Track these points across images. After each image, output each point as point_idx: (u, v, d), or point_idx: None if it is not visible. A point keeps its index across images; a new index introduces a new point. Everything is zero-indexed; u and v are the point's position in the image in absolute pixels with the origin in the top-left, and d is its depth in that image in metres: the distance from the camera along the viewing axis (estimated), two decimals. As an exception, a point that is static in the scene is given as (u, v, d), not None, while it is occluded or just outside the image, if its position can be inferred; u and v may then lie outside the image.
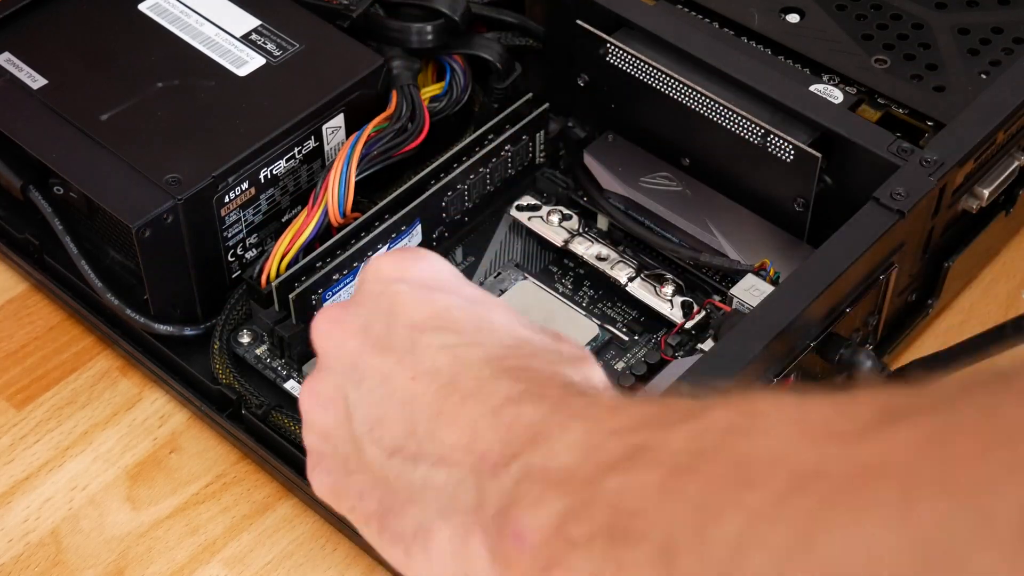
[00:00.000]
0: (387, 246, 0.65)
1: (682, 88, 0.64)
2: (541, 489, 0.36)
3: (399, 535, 0.42)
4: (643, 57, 0.65)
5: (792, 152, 0.62)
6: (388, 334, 0.44)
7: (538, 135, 0.70)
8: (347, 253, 0.63)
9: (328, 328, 0.46)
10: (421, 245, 0.67)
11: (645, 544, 0.33)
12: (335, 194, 0.64)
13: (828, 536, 0.29)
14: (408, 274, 0.46)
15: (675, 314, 0.64)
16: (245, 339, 0.65)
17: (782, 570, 0.30)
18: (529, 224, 0.69)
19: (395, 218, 0.65)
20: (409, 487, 0.41)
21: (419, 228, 0.66)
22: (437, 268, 0.47)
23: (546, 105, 0.70)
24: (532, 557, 0.36)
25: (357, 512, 0.44)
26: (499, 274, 0.68)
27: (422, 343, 0.43)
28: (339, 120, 0.67)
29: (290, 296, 0.62)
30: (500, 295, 0.66)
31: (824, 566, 0.29)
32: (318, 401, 0.45)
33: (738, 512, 0.31)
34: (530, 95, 0.70)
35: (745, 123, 0.63)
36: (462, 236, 0.70)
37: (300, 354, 0.64)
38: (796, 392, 0.34)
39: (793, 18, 0.69)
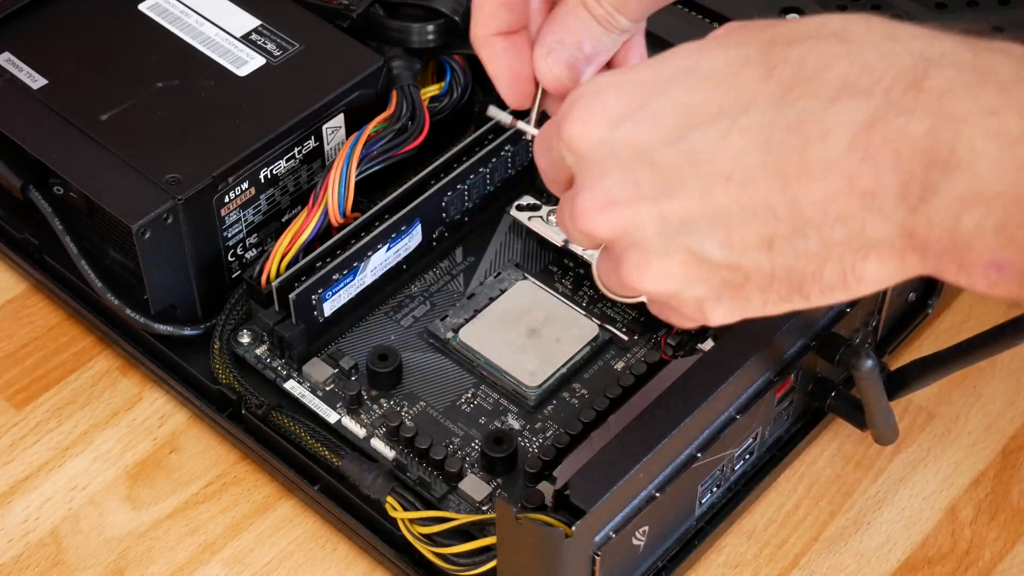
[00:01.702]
0: (387, 246, 0.65)
1: (682, 88, 0.64)
2: (998, 221, 0.36)
3: (827, 290, 0.40)
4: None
5: (792, 152, 0.62)
6: (670, 138, 0.41)
7: (538, 135, 0.70)
8: (347, 253, 0.63)
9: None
10: (421, 245, 0.67)
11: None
12: (335, 194, 0.64)
13: None
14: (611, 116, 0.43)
15: (675, 314, 0.64)
16: (245, 339, 0.65)
17: None
18: (529, 224, 0.69)
19: (395, 218, 0.65)
20: (810, 259, 0.40)
21: (419, 228, 0.66)
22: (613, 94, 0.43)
23: (546, 105, 0.70)
24: (1018, 283, 0.37)
25: (758, 300, 0.42)
26: (499, 274, 0.68)
27: (698, 148, 0.40)
28: (339, 120, 0.67)
29: (290, 296, 0.62)
30: (500, 295, 0.66)
31: None
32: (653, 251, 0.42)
33: None
34: (530, 95, 0.70)
35: (745, 123, 0.63)
36: (462, 236, 0.70)
37: (300, 354, 0.64)
38: None
39: (793, 18, 0.69)
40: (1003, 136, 0.35)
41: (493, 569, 0.55)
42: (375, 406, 0.63)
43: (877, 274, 0.39)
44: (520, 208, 0.69)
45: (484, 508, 0.58)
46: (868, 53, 0.38)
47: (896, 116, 0.37)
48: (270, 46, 0.68)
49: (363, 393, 0.63)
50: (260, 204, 0.66)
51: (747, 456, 0.60)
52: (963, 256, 0.37)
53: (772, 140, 0.39)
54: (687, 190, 0.40)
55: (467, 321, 0.65)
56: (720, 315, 0.43)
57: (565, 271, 0.69)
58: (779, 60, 0.39)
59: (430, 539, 0.57)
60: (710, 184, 0.40)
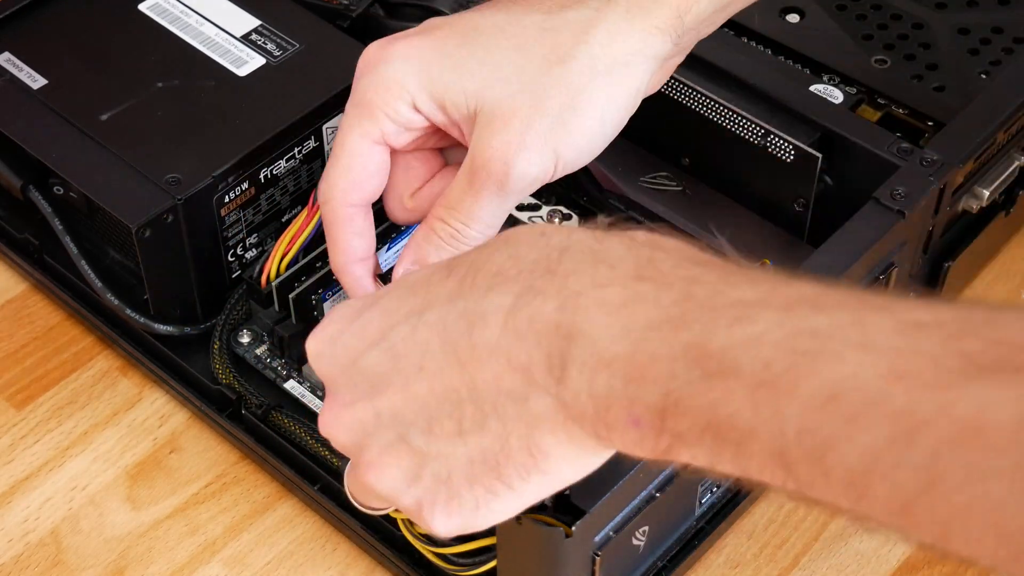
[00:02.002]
0: (387, 246, 0.65)
1: (682, 88, 0.64)
2: (623, 387, 0.39)
3: (522, 471, 0.43)
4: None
5: (792, 152, 0.62)
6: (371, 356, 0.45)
7: (538, 135, 0.70)
8: (347, 253, 0.63)
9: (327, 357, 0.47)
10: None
11: (755, 445, 0.37)
12: (335, 194, 0.64)
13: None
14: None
15: (675, 314, 0.64)
16: (245, 339, 0.65)
17: None
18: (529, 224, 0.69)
19: (395, 218, 0.65)
20: (496, 436, 0.42)
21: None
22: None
23: (546, 105, 0.70)
24: (654, 439, 0.39)
25: (469, 495, 0.44)
26: (499, 274, 0.68)
27: (395, 346, 0.44)
28: (339, 120, 0.67)
29: (290, 296, 0.62)
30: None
31: None
32: (348, 429, 0.46)
33: (852, 445, 0.35)
34: (530, 95, 0.70)
35: (745, 123, 0.63)
36: (462, 236, 0.70)
37: (300, 354, 0.64)
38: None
39: (793, 18, 0.69)
40: (610, 305, 0.40)
41: (493, 569, 0.55)
42: (375, 406, 0.63)
43: (556, 446, 0.42)
44: (520, 208, 0.69)
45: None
46: (521, 248, 0.43)
47: (534, 297, 0.41)
48: (270, 46, 0.68)
49: (363, 393, 0.63)
50: (260, 204, 0.66)
51: (747, 456, 0.60)
52: (608, 417, 0.40)
53: (447, 330, 0.43)
54: (392, 384, 0.44)
55: (467, 321, 0.65)
56: (441, 521, 0.45)
57: (565, 271, 0.69)
58: (459, 263, 0.44)
59: (430, 539, 0.57)
60: (408, 376, 0.44)
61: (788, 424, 0.35)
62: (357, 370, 0.45)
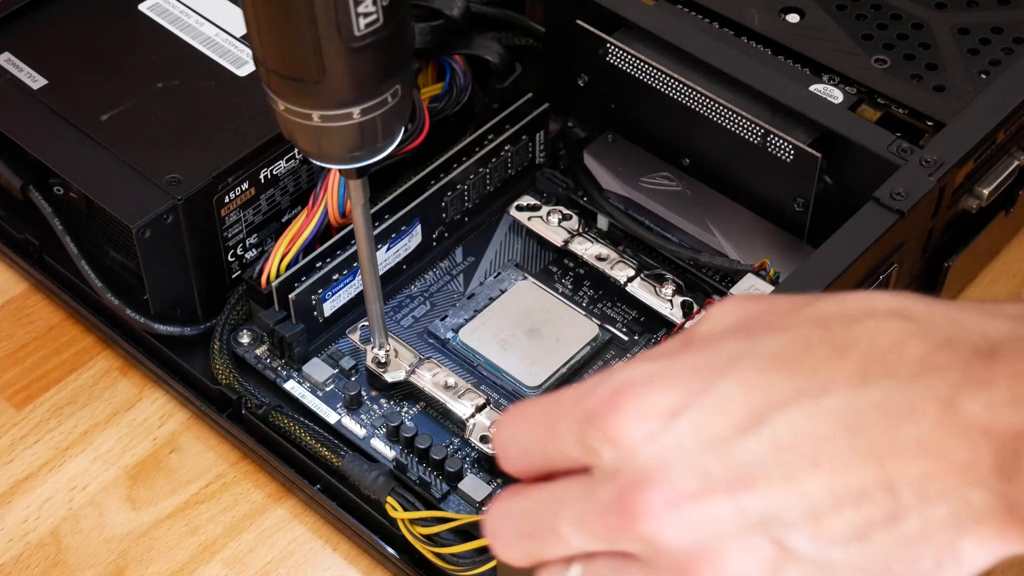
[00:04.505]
0: (387, 246, 0.65)
1: (682, 88, 0.64)
2: None
3: (928, 570, 0.37)
4: (643, 57, 0.65)
5: (792, 152, 0.62)
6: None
7: (538, 135, 0.70)
8: (347, 253, 0.63)
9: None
10: (421, 245, 0.67)
11: None
12: (335, 194, 0.64)
13: None
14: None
15: (675, 314, 0.64)
16: (245, 339, 0.65)
17: None
18: (529, 224, 0.69)
19: (395, 218, 0.65)
20: (910, 544, 0.37)
21: (419, 228, 0.66)
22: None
23: (546, 105, 0.70)
24: None
25: None
26: (499, 274, 0.68)
27: (779, 433, 0.37)
28: (339, 120, 0.66)
29: (290, 296, 0.62)
30: (500, 295, 0.66)
31: None
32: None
33: None
34: (530, 95, 0.70)
35: (745, 123, 0.63)
36: (462, 236, 0.70)
37: (300, 354, 0.64)
38: None
39: (793, 18, 0.69)
40: None
41: (493, 569, 0.55)
42: (375, 406, 0.63)
43: (975, 553, 0.37)
44: (520, 208, 0.69)
45: (484, 508, 0.58)
46: (938, 332, 0.38)
47: (979, 388, 0.36)
48: (270, 46, 0.68)
49: (363, 393, 0.63)
50: (260, 204, 0.66)
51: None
52: None
53: (861, 421, 0.37)
54: (770, 479, 0.37)
55: (467, 321, 0.65)
56: None
57: (565, 271, 0.69)
58: (847, 339, 0.38)
59: (430, 539, 0.57)
60: (796, 470, 0.37)
61: None
62: (713, 456, 0.37)
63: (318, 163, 0.53)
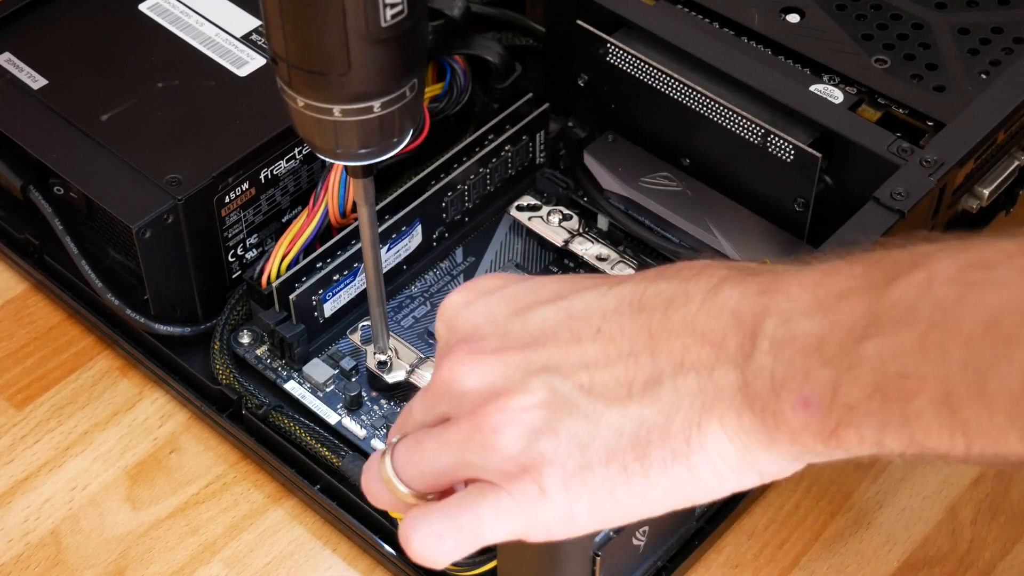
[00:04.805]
0: (387, 246, 0.65)
1: (682, 88, 0.64)
2: (803, 360, 0.39)
3: (668, 457, 0.42)
4: (643, 57, 0.65)
5: (792, 152, 0.62)
6: (532, 321, 0.44)
7: (538, 135, 0.70)
8: (347, 253, 0.63)
9: (467, 360, 0.44)
10: (421, 245, 0.67)
11: (923, 396, 0.37)
12: (335, 194, 0.64)
13: None
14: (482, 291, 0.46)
15: (675, 314, 0.64)
16: (245, 339, 0.65)
17: None
18: (529, 224, 0.69)
19: (395, 218, 0.65)
20: (662, 409, 0.42)
21: (419, 228, 0.66)
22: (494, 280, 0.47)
23: (546, 105, 0.70)
24: (821, 420, 0.39)
25: (600, 471, 0.42)
26: (499, 274, 0.68)
27: (574, 306, 0.44)
28: (339, 120, 0.66)
29: (290, 297, 0.62)
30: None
31: None
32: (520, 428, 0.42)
33: (1012, 365, 0.35)
34: (530, 95, 0.70)
35: (745, 123, 0.63)
36: (462, 236, 0.70)
37: (300, 355, 0.64)
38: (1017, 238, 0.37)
39: (793, 18, 0.69)
40: (806, 282, 0.40)
41: (493, 569, 0.55)
42: (375, 407, 0.63)
43: (716, 437, 0.41)
44: (520, 208, 0.69)
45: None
46: (735, 265, 0.44)
47: (741, 280, 0.42)
48: (270, 46, 0.68)
49: (363, 394, 0.63)
50: (260, 204, 0.66)
51: (747, 456, 0.60)
52: (779, 398, 0.40)
53: (643, 303, 0.43)
54: (558, 340, 0.43)
55: (467, 321, 0.65)
56: (555, 491, 0.42)
57: (565, 271, 0.69)
58: (648, 273, 0.44)
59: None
60: (581, 334, 0.43)
61: (953, 361, 0.36)
62: (518, 321, 0.44)
63: (329, 160, 0.53)
